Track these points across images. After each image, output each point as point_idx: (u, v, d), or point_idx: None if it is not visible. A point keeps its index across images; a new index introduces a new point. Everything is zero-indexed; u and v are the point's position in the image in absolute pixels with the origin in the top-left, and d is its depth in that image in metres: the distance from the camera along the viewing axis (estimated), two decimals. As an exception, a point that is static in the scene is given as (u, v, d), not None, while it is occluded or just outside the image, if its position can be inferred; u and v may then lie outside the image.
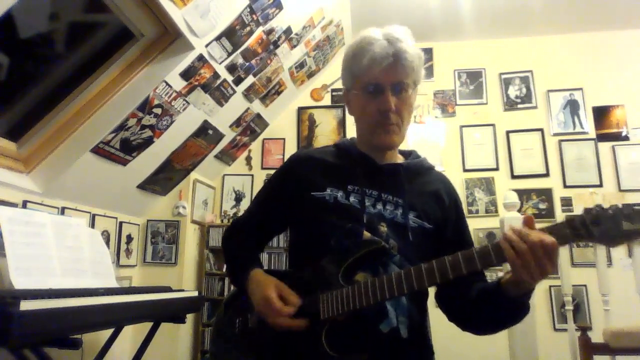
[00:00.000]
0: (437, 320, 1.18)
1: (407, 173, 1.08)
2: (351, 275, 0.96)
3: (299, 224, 1.11)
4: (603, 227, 0.76)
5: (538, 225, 0.83)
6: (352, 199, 1.03)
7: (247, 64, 3.26)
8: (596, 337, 2.33)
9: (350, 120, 4.37)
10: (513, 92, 4.26)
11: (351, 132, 4.32)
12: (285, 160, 1.19)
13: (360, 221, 1.00)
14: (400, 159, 1.14)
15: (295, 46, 3.62)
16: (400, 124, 1.04)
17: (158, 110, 2.82)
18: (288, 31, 3.36)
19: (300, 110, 4.48)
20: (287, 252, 3.77)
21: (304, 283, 0.99)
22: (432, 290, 1.13)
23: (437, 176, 1.16)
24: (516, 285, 0.87)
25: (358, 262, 0.96)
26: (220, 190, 4.34)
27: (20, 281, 1.67)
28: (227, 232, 1.23)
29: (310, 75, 4.30)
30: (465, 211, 4.25)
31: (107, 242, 3.17)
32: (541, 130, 4.13)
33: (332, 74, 4.50)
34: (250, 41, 3.08)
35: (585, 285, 3.63)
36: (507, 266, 0.83)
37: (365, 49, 1.00)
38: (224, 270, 3.90)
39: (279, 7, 3.05)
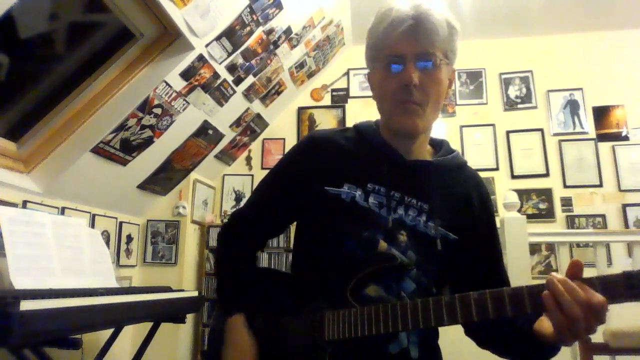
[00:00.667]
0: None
1: (436, 173, 0.94)
2: (362, 288, 0.86)
3: (308, 222, 0.98)
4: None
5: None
6: (371, 200, 0.90)
7: (247, 64, 3.26)
8: (596, 337, 2.32)
9: (350, 121, 4.37)
10: (513, 92, 4.26)
11: (351, 132, 4.32)
12: (300, 141, 1.03)
13: (379, 228, 0.89)
14: (429, 152, 1.00)
15: (295, 46, 3.62)
16: (424, 103, 0.87)
17: (158, 110, 2.82)
18: (288, 31, 3.36)
19: (300, 110, 4.48)
20: (287, 252, 3.79)
21: (309, 293, 0.90)
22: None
23: (470, 175, 1.00)
24: (553, 339, 0.73)
25: (369, 275, 0.86)
26: (220, 190, 4.34)
27: (20, 281, 1.67)
28: (225, 231, 1.09)
29: (310, 75, 4.30)
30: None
31: (107, 242, 3.17)
32: (541, 130, 4.13)
33: (332, 74, 4.50)
34: (250, 41, 3.08)
35: (585, 285, 3.62)
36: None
37: (384, 15, 0.88)
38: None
39: (279, 7, 3.05)
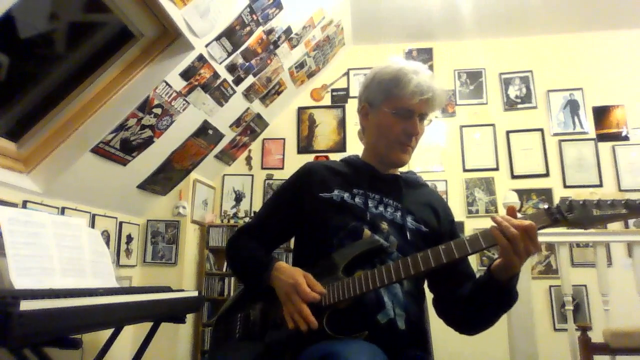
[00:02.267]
0: (438, 322, 1.18)
1: (405, 184, 1.21)
2: (351, 273, 1.03)
3: (305, 225, 1.18)
4: (576, 213, 0.94)
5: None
6: (357, 199, 1.14)
7: (247, 64, 3.26)
8: (596, 337, 2.33)
9: (350, 121, 4.37)
10: (513, 92, 4.26)
11: (351, 131, 4.33)
12: (298, 170, 1.27)
13: (364, 219, 1.10)
14: (397, 171, 1.27)
15: (295, 46, 3.62)
16: (414, 145, 1.18)
17: (158, 110, 2.82)
18: (288, 31, 3.36)
19: (300, 110, 4.48)
20: (287, 252, 3.79)
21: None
22: (429, 296, 1.18)
23: (431, 192, 1.29)
24: (505, 269, 0.95)
25: (358, 260, 1.04)
26: (220, 190, 4.34)
27: (20, 281, 1.67)
28: (236, 236, 1.27)
29: (310, 75, 4.30)
30: (465, 211, 4.24)
31: (107, 242, 3.17)
32: (541, 130, 4.13)
33: (332, 74, 4.50)
34: (250, 41, 3.09)
35: (585, 285, 3.63)
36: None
37: (410, 77, 1.11)
38: (224, 269, 3.90)
39: (279, 7, 3.05)
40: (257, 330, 1.09)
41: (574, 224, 0.93)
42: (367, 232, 1.09)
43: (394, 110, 1.14)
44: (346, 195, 1.14)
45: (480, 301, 1.02)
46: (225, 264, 3.93)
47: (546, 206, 0.96)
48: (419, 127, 1.15)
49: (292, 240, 1.26)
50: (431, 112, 1.16)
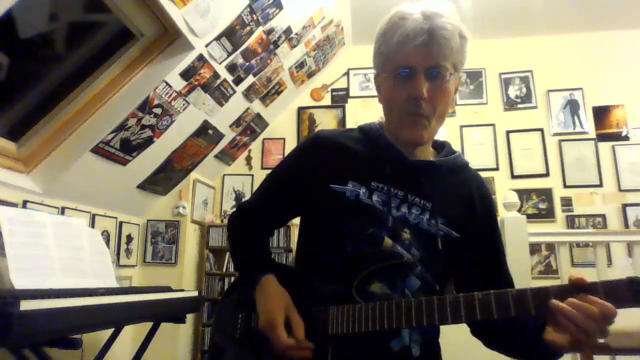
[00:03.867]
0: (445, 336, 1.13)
1: (439, 172, 0.95)
2: (366, 285, 0.87)
3: (312, 218, 1.00)
4: None
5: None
6: (375, 198, 0.91)
7: (247, 64, 3.26)
8: (596, 337, 2.33)
9: (350, 121, 4.37)
10: (513, 92, 4.26)
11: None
12: (305, 139, 1.05)
13: (383, 225, 0.90)
14: (432, 153, 1.01)
15: (295, 46, 3.62)
16: (431, 115, 0.88)
17: (158, 110, 2.82)
18: (288, 31, 3.36)
19: (300, 110, 4.48)
20: (287, 252, 3.80)
21: (315, 288, 0.91)
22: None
23: (472, 176, 1.01)
24: (565, 345, 0.73)
25: (374, 272, 0.88)
26: (220, 190, 4.34)
27: (20, 281, 1.67)
28: (234, 218, 1.11)
29: (310, 75, 4.30)
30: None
31: (107, 242, 3.17)
32: (541, 130, 4.13)
33: (332, 73, 4.50)
34: (250, 41, 3.08)
35: (585, 285, 3.63)
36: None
37: (397, 24, 0.86)
38: (224, 269, 3.90)
39: (279, 7, 3.05)
40: (257, 343, 0.94)
41: None
42: (387, 240, 0.89)
43: (391, 72, 0.89)
44: (362, 192, 0.91)
45: (521, 346, 0.85)
46: (225, 263, 3.93)
47: (629, 277, 0.70)
48: (424, 87, 0.85)
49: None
50: (442, 60, 0.85)
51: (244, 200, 1.19)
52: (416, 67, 0.85)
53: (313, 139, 1.02)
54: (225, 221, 4.06)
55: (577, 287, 0.69)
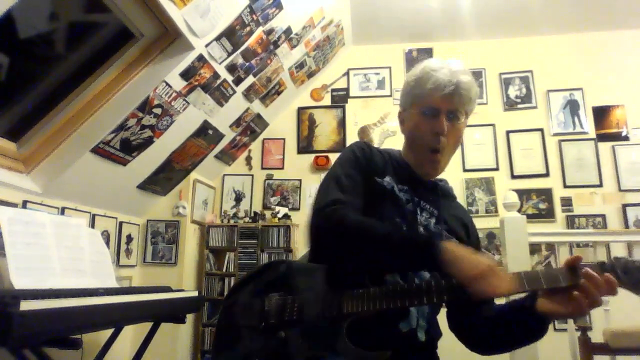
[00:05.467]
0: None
1: (442, 193, 1.19)
2: (383, 275, 1.00)
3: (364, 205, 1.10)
4: (631, 276, 0.86)
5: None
6: (402, 194, 1.11)
7: (247, 64, 3.26)
8: (596, 337, 2.33)
9: (350, 121, 4.38)
10: (513, 92, 4.26)
11: (351, 131, 4.33)
12: (353, 144, 1.20)
13: (405, 217, 1.08)
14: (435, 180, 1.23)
15: (295, 46, 3.62)
16: (446, 147, 1.11)
17: (158, 110, 2.82)
18: (288, 31, 3.36)
19: (300, 110, 4.48)
20: (286, 252, 3.79)
21: (329, 280, 1.00)
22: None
23: (461, 206, 1.28)
24: (557, 313, 0.90)
25: (391, 264, 0.99)
26: (220, 190, 4.34)
27: (20, 281, 1.67)
28: (340, 209, 1.03)
29: (310, 75, 4.30)
30: (465, 211, 4.12)
31: (107, 242, 3.17)
32: (541, 130, 4.13)
33: (332, 74, 4.50)
34: (250, 41, 3.09)
35: (585, 285, 3.62)
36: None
37: (429, 74, 1.09)
38: (224, 269, 3.89)
39: (279, 7, 3.05)
40: (273, 321, 1.00)
41: (628, 287, 0.87)
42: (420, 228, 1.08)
43: (419, 110, 1.11)
44: (396, 187, 1.11)
45: (507, 327, 0.99)
46: (225, 263, 3.90)
47: (600, 261, 0.90)
48: (446, 126, 1.08)
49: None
50: (460, 107, 1.09)
51: (326, 198, 1.07)
52: (440, 109, 1.09)
53: (362, 144, 1.21)
54: (225, 221, 4.05)
55: (601, 265, 0.88)
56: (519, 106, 4.22)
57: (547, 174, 4.03)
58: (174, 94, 2.84)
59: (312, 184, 4.21)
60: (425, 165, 1.13)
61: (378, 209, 1.07)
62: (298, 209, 4.18)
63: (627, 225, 3.78)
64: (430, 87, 1.08)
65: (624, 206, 3.85)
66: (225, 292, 3.84)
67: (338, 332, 0.93)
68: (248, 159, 4.40)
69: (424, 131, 1.10)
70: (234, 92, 3.41)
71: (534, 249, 3.80)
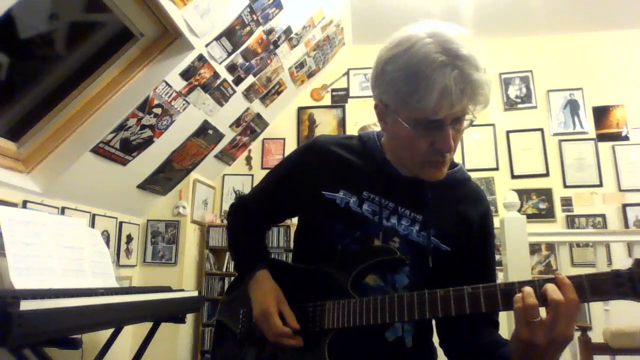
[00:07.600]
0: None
1: (432, 187, 0.94)
2: (361, 278, 0.90)
3: (306, 219, 1.04)
4: None
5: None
6: (365, 207, 0.92)
7: (247, 64, 3.26)
8: (596, 337, 2.33)
9: (350, 121, 4.38)
10: (513, 92, 4.26)
11: (351, 131, 4.31)
12: (304, 143, 1.06)
13: (371, 232, 0.91)
14: None
15: (295, 46, 3.62)
16: (448, 159, 0.89)
17: (158, 110, 2.82)
18: (288, 31, 3.36)
19: (300, 110, 4.48)
20: (286, 252, 3.79)
21: (311, 285, 0.94)
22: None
23: (471, 192, 1.00)
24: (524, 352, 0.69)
25: (367, 269, 0.90)
26: (220, 190, 4.34)
27: (20, 281, 1.67)
28: (234, 208, 1.17)
29: (310, 75, 4.30)
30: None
31: (107, 242, 3.17)
32: (541, 130, 4.13)
33: (332, 73, 4.50)
34: (250, 41, 3.08)
35: (585, 285, 3.62)
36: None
37: (430, 78, 0.75)
38: (224, 269, 3.90)
39: (279, 7, 3.05)
40: (255, 338, 0.98)
41: None
42: (377, 242, 0.91)
43: (414, 122, 0.81)
44: (352, 201, 0.93)
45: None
46: (225, 263, 3.93)
47: (613, 270, 0.67)
48: (452, 139, 0.82)
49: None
50: (469, 110, 0.81)
51: (244, 194, 1.24)
52: (444, 120, 0.80)
53: (311, 145, 1.03)
54: (226, 221, 4.05)
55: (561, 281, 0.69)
56: (519, 106, 4.22)
57: (547, 174, 4.03)
58: (174, 94, 2.84)
59: (312, 184, 4.21)
60: (428, 173, 0.89)
61: (331, 228, 0.93)
62: (298, 209, 4.18)
63: (627, 225, 3.79)
64: (436, 98, 0.76)
65: (624, 206, 3.85)
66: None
67: (320, 349, 0.87)
68: (248, 159, 4.40)
69: (422, 147, 0.84)
70: (234, 92, 3.40)
71: (534, 249, 3.80)
